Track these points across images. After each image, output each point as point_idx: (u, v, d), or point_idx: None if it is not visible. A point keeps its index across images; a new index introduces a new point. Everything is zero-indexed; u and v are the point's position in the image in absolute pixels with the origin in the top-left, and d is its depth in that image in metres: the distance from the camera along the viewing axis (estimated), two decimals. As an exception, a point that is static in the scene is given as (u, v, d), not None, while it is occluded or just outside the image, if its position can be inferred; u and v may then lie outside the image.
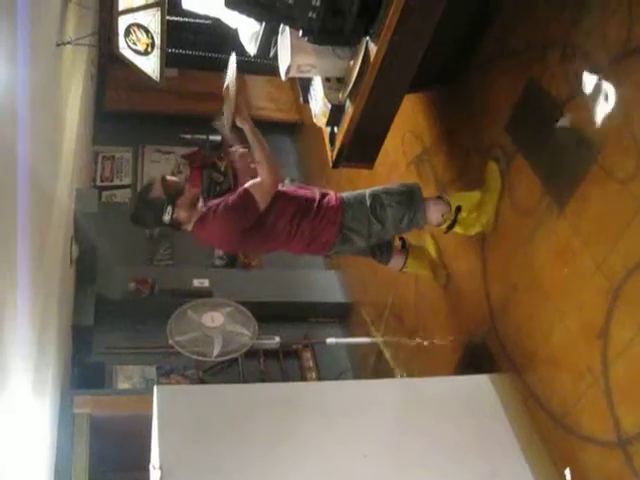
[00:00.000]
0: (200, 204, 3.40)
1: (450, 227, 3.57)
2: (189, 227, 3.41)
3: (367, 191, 3.50)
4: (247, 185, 3.31)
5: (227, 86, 3.49)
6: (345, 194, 3.52)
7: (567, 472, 2.93)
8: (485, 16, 3.59)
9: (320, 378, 5.43)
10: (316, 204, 3.43)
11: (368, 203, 3.43)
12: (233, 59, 3.51)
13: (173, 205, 3.32)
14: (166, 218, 3.32)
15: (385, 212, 3.43)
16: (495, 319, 3.53)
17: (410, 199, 3.48)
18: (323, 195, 3.49)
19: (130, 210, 3.47)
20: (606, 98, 2.84)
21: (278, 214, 3.37)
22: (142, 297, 5.51)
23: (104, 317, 5.20)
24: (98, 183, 6.67)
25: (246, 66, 6.49)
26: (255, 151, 3.34)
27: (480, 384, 3.32)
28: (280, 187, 3.45)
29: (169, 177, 3.44)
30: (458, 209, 3.52)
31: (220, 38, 5.76)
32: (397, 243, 3.91)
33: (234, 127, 3.45)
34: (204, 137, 7.08)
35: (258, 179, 3.30)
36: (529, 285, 3.27)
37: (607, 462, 2.75)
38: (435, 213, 3.54)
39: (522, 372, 3.30)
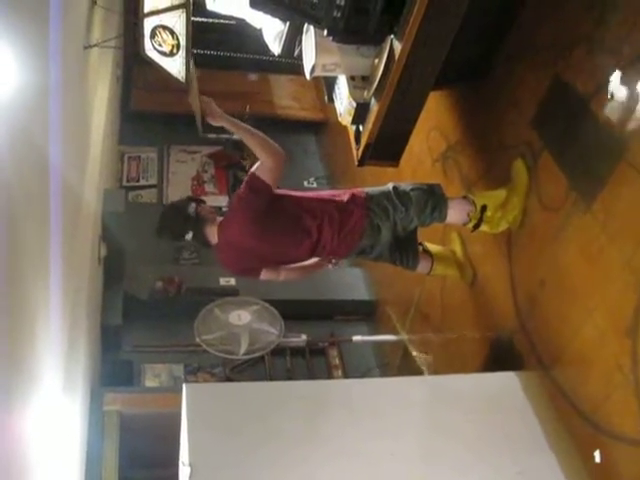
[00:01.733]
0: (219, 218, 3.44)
1: (476, 226, 3.56)
2: (214, 239, 3.40)
3: (389, 184, 3.52)
4: (251, 169, 3.30)
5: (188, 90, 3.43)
6: (367, 188, 3.53)
7: (597, 454, 2.91)
8: (510, 12, 3.58)
9: (346, 376, 5.44)
10: (338, 196, 3.46)
11: (391, 189, 3.46)
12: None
13: (195, 201, 3.39)
14: (191, 210, 3.33)
15: (408, 195, 3.45)
16: (522, 316, 3.52)
17: (431, 189, 3.52)
18: (344, 193, 3.51)
19: (156, 226, 3.47)
20: (633, 94, 2.82)
21: (303, 211, 3.37)
22: (169, 296, 5.55)
23: (132, 316, 5.25)
24: (124, 183, 6.72)
25: (269, 65, 6.55)
26: (245, 140, 3.31)
27: (508, 381, 3.30)
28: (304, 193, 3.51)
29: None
30: (483, 208, 3.52)
31: (242, 38, 5.79)
32: (420, 249, 3.91)
33: (208, 127, 3.43)
34: (228, 136, 7.13)
35: (261, 162, 3.26)
36: (556, 282, 3.25)
37: (638, 461, 2.73)
38: (461, 212, 3.54)
39: (550, 369, 3.29)
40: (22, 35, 2.07)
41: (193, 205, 3.37)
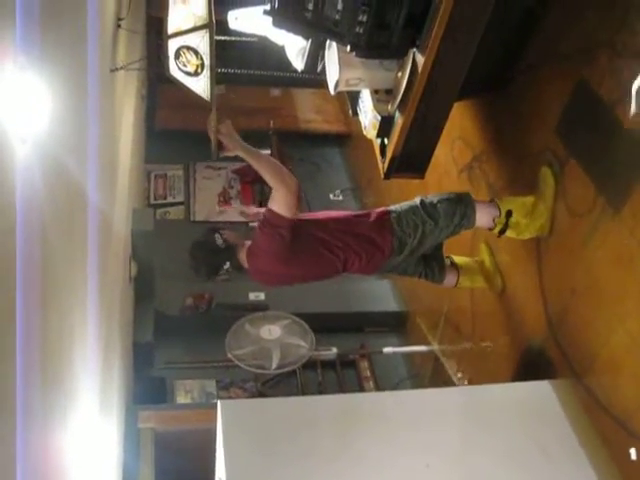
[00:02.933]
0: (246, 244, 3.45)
1: (502, 231, 3.56)
2: (245, 263, 3.43)
3: (416, 198, 3.53)
4: (268, 204, 3.27)
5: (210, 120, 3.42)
6: (393, 205, 3.55)
7: (632, 451, 2.89)
8: (532, 19, 3.58)
9: (378, 388, 5.45)
10: (366, 216, 3.47)
11: (418, 203, 3.47)
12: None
13: (216, 230, 3.41)
14: (219, 242, 3.36)
15: (436, 209, 3.45)
16: (553, 324, 3.51)
17: (459, 197, 3.52)
18: (369, 212, 3.53)
19: (191, 265, 3.50)
20: (659, 98, 2.81)
21: (329, 235, 3.39)
22: (199, 312, 5.60)
23: (163, 333, 5.30)
24: (152, 201, 6.80)
25: (292, 81, 6.59)
26: (257, 169, 3.28)
27: (541, 390, 3.29)
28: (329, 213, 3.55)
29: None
30: (509, 213, 3.51)
31: (265, 54, 5.85)
32: (447, 261, 3.92)
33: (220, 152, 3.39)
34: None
35: (273, 194, 3.24)
36: (587, 289, 3.24)
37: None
38: (486, 216, 3.54)
39: (583, 377, 3.27)
40: (52, 62, 2.12)
41: (218, 235, 3.38)
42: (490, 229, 3.59)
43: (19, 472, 1.67)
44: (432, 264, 3.78)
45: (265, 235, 3.28)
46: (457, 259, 3.98)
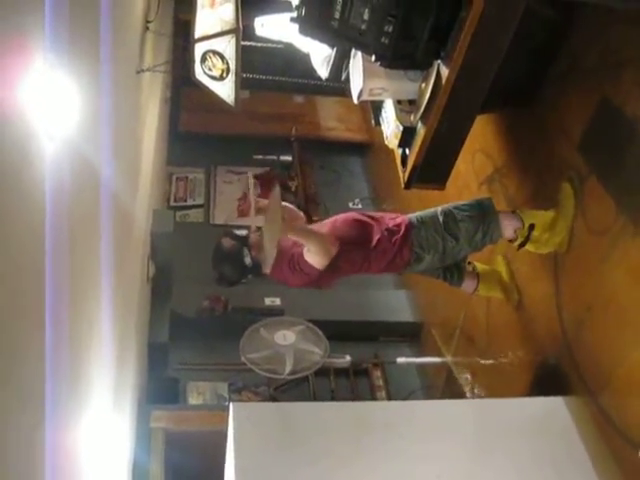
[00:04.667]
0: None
1: (522, 244, 3.55)
2: (268, 270, 3.39)
3: (439, 209, 3.52)
4: (304, 253, 3.28)
5: (256, 204, 3.31)
6: (415, 214, 3.54)
7: None
8: (557, 35, 3.58)
9: (390, 397, 5.44)
10: (386, 231, 3.45)
11: (441, 219, 3.45)
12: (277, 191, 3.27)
13: (248, 246, 3.35)
14: (247, 261, 3.33)
15: (458, 227, 3.44)
16: (569, 340, 3.50)
17: (482, 212, 3.49)
18: (391, 220, 3.52)
19: (213, 275, 3.48)
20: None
21: (351, 248, 3.40)
22: (215, 315, 5.62)
23: (178, 334, 5.32)
24: (172, 203, 6.83)
25: (316, 88, 6.62)
26: (305, 243, 3.29)
27: (554, 406, 3.28)
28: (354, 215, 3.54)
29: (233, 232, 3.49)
30: (531, 227, 3.50)
31: (289, 61, 5.87)
32: (468, 267, 3.91)
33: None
34: (275, 157, 7.22)
35: (312, 251, 3.25)
36: (604, 306, 3.23)
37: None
38: (508, 227, 3.52)
39: (597, 395, 3.26)
40: (80, 62, 2.15)
41: (247, 253, 3.34)
42: (510, 241, 3.58)
43: (48, 467, 1.70)
44: (451, 268, 3.78)
45: (294, 272, 3.35)
46: (479, 266, 3.97)
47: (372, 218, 3.53)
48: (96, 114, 2.49)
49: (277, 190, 3.20)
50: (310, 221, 3.75)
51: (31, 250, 1.63)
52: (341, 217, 3.55)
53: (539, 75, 3.74)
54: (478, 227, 3.45)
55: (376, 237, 3.42)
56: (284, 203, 3.35)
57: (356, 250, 3.43)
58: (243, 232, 3.47)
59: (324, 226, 3.51)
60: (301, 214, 3.64)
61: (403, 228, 3.44)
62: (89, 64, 2.37)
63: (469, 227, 3.45)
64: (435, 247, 3.44)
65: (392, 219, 3.52)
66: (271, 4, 4.50)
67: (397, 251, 3.42)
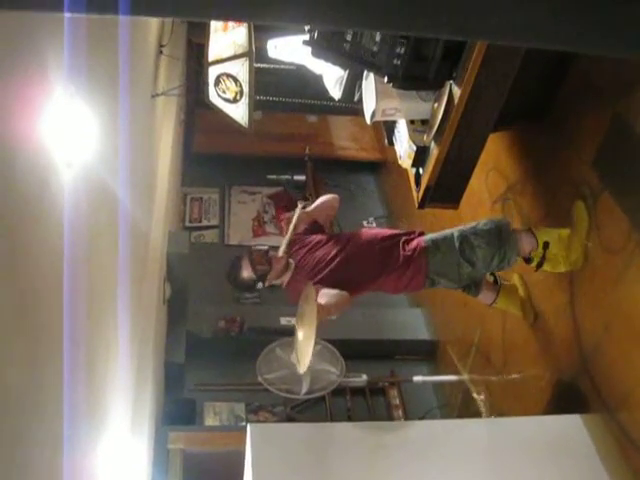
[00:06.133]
0: (291, 264, 3.49)
1: (539, 264, 3.53)
2: (283, 286, 3.53)
3: (455, 233, 3.48)
4: (319, 297, 3.22)
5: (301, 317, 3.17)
6: (431, 237, 3.52)
7: None
8: (570, 52, 3.60)
9: (407, 416, 5.42)
10: (401, 256, 3.44)
11: (457, 245, 3.42)
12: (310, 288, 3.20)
13: (263, 280, 3.44)
14: (259, 287, 3.46)
15: (475, 253, 3.42)
16: (586, 359, 3.48)
17: (499, 238, 3.45)
18: (406, 241, 3.50)
19: (229, 281, 3.58)
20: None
21: (364, 270, 3.43)
22: (231, 335, 5.63)
23: (194, 355, 5.33)
24: (187, 224, 6.87)
25: (329, 108, 6.66)
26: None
27: (572, 424, 3.26)
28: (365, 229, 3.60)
29: (255, 251, 3.50)
30: (546, 245, 3.49)
31: (302, 82, 5.92)
32: (489, 278, 3.89)
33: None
34: (289, 177, 7.25)
35: (329, 303, 3.18)
36: (621, 324, 3.21)
37: None
38: (524, 246, 3.51)
39: (615, 413, 3.24)
40: (98, 89, 2.19)
41: (261, 286, 3.46)
42: (527, 261, 3.57)
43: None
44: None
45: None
46: (501, 279, 3.96)
47: (389, 239, 3.54)
48: (113, 139, 2.53)
49: (311, 290, 3.11)
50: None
51: (50, 273, 1.66)
52: (362, 239, 3.55)
53: (551, 91, 3.75)
54: (495, 253, 3.43)
55: (391, 270, 3.44)
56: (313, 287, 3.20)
57: (365, 284, 3.47)
58: (264, 247, 3.57)
59: (342, 242, 3.53)
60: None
61: (417, 254, 3.43)
62: (107, 91, 2.41)
63: (486, 254, 3.43)
64: (450, 273, 3.45)
65: (407, 242, 3.51)
66: (284, 26, 4.55)
67: (411, 277, 3.43)
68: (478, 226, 3.51)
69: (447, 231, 3.53)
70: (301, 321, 3.08)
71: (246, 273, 3.42)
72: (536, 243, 3.50)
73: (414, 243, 3.49)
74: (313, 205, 3.73)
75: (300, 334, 3.08)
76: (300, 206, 3.56)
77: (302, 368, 3.09)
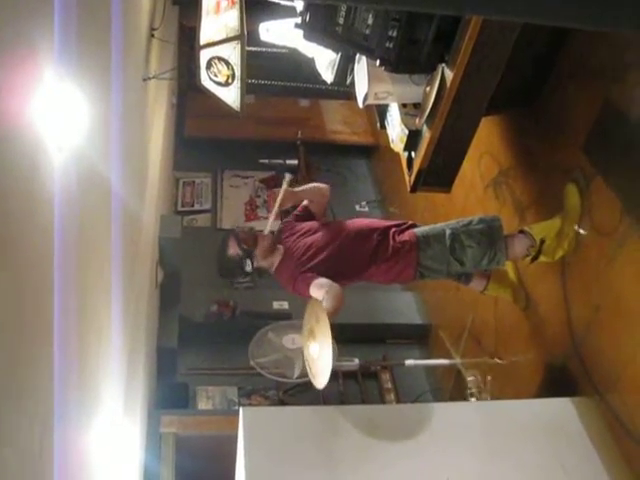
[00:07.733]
0: (279, 248, 3.50)
1: (534, 258, 3.53)
2: (272, 270, 3.52)
3: (447, 230, 3.46)
4: (311, 288, 3.25)
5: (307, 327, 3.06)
6: (422, 231, 3.50)
7: None
8: (562, 36, 3.59)
9: (399, 400, 5.44)
10: (390, 247, 3.44)
11: (447, 244, 3.41)
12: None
13: (251, 258, 3.44)
14: (248, 269, 3.45)
15: (465, 253, 3.41)
16: (577, 341, 3.50)
17: (491, 239, 3.44)
18: (397, 232, 3.50)
19: (217, 267, 3.60)
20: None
21: (354, 261, 3.44)
22: (224, 319, 5.63)
23: (187, 339, 5.34)
24: (179, 208, 6.85)
25: (321, 92, 6.64)
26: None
27: (563, 407, 3.28)
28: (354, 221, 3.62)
29: (241, 229, 3.57)
30: (542, 242, 3.49)
31: (294, 66, 5.89)
32: None
33: None
34: (281, 161, 7.23)
35: (322, 296, 3.16)
36: (612, 307, 3.23)
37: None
38: (520, 247, 3.51)
39: (606, 395, 3.26)
40: (89, 72, 2.18)
41: (249, 264, 3.45)
42: (523, 257, 3.57)
43: (58, 474, 1.72)
44: None
45: (298, 283, 3.36)
46: None
47: (380, 230, 3.53)
48: (104, 123, 2.51)
49: (318, 304, 3.04)
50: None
51: (41, 257, 1.65)
52: (353, 230, 3.54)
53: (544, 75, 3.75)
54: (485, 253, 3.43)
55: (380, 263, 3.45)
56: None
57: (355, 274, 3.48)
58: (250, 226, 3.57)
59: (334, 230, 3.54)
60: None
61: (407, 248, 3.43)
62: (97, 74, 2.39)
63: (476, 254, 3.43)
64: (439, 269, 3.46)
65: (398, 233, 3.50)
66: (276, 10, 4.52)
67: (400, 270, 3.45)
68: (470, 225, 3.48)
69: (438, 226, 3.51)
70: (312, 335, 2.97)
71: (232, 250, 3.44)
72: (532, 241, 3.49)
73: (405, 236, 3.48)
74: (301, 187, 3.72)
75: (313, 349, 2.97)
76: (287, 179, 3.54)
77: (322, 384, 2.94)
